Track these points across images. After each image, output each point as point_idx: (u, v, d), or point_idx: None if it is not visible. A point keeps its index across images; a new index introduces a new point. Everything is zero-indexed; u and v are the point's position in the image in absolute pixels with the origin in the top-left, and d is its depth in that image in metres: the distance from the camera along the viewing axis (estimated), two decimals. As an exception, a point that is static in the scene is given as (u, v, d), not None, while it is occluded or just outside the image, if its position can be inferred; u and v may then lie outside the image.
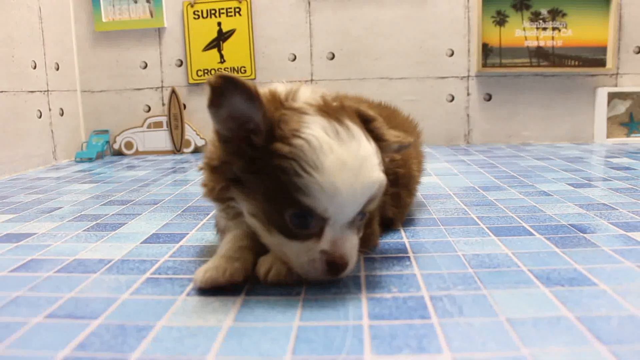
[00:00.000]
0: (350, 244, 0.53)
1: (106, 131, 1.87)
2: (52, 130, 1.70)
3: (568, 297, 0.50)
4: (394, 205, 0.73)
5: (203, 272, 0.55)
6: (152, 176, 1.38)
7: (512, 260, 0.62)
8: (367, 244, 0.64)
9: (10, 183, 1.34)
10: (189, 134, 1.84)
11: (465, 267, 0.60)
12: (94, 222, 0.89)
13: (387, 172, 0.67)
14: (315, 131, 0.50)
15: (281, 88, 0.57)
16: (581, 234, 0.71)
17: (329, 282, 0.55)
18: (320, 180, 0.48)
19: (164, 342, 0.44)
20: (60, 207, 1.02)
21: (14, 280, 0.62)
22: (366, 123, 0.56)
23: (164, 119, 1.84)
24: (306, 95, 0.55)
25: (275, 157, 0.50)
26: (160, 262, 0.66)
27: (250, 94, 0.50)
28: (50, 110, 1.70)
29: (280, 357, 0.41)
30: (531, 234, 0.72)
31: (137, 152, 1.86)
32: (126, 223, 0.87)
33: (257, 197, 0.53)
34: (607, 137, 1.76)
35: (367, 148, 0.52)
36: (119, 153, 1.87)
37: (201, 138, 1.84)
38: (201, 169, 0.62)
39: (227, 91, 0.50)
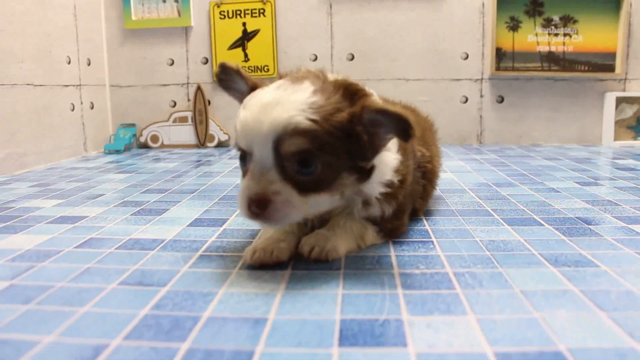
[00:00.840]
0: (274, 187, 0.56)
1: (133, 125, 1.96)
2: (83, 123, 1.79)
3: (573, 276, 0.58)
4: (421, 197, 0.81)
5: (252, 253, 0.63)
6: (182, 168, 1.46)
7: (524, 245, 0.69)
8: (395, 233, 0.72)
9: (49, 172, 1.43)
10: (213, 129, 1.92)
11: (482, 250, 0.67)
12: (139, 208, 0.97)
13: (417, 166, 0.76)
14: (268, 86, 0.60)
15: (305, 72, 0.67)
16: (586, 225, 0.79)
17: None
18: (240, 116, 0.59)
19: (228, 304, 0.52)
20: (103, 194, 1.10)
21: (81, 255, 0.70)
22: (352, 94, 0.60)
23: (189, 114, 1.92)
24: (311, 72, 0.64)
25: None
26: (209, 242, 0.74)
27: (237, 71, 0.67)
28: (82, 103, 1.78)
29: (331, 316, 0.49)
30: (541, 225, 0.80)
31: (162, 146, 1.95)
32: (168, 209, 0.95)
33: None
34: (615, 139, 1.83)
35: (296, 96, 0.56)
36: (144, 146, 1.96)
37: (224, 133, 1.92)
38: None
39: (225, 74, 0.67)
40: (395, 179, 0.66)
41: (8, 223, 0.87)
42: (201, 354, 0.42)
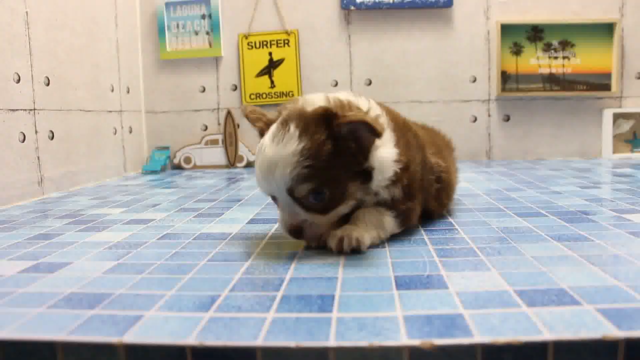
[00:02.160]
0: (301, 217, 0.73)
1: (167, 147, 2.13)
2: (123, 146, 1.96)
3: (572, 246, 0.73)
4: (435, 199, 0.94)
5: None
6: (220, 184, 1.62)
7: (532, 229, 0.84)
8: (410, 216, 0.83)
9: (100, 188, 1.59)
10: (242, 150, 2.09)
11: (499, 233, 0.82)
12: (197, 213, 1.12)
13: (432, 173, 0.89)
14: (266, 137, 0.74)
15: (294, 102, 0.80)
16: (585, 215, 0.94)
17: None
18: (255, 171, 0.76)
19: (303, 270, 0.67)
20: (160, 204, 1.25)
21: (165, 244, 0.85)
22: (330, 120, 0.70)
23: (219, 137, 2.09)
24: (307, 101, 0.77)
25: None
26: (269, 233, 0.89)
27: (252, 122, 0.83)
28: (122, 128, 1.96)
29: (386, 274, 0.63)
30: (546, 216, 0.94)
31: (194, 167, 2.11)
32: (223, 213, 1.11)
33: None
34: (614, 152, 1.98)
35: (289, 148, 0.69)
36: (178, 167, 2.12)
37: (253, 154, 2.08)
38: None
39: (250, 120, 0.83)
40: (397, 168, 0.76)
41: (87, 225, 1.02)
42: (294, 298, 0.57)
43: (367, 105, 0.78)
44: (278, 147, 0.70)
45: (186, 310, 0.54)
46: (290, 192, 0.71)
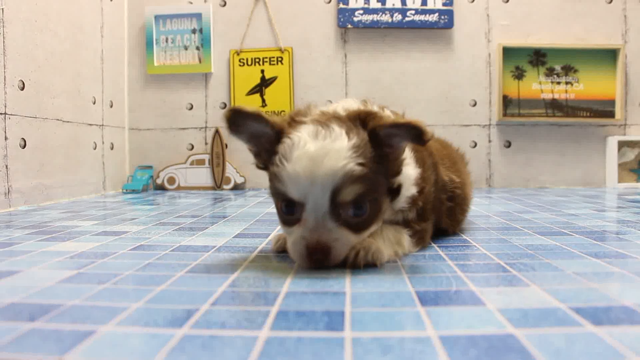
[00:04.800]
0: (332, 235, 0.59)
1: (150, 166, 2.01)
2: (103, 162, 1.84)
3: (616, 262, 0.62)
4: (448, 217, 0.85)
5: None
6: (205, 202, 1.50)
7: (562, 247, 0.73)
8: (424, 237, 0.74)
9: (74, 204, 1.46)
10: (230, 171, 1.97)
11: (525, 250, 0.71)
12: (177, 227, 1.00)
13: (445, 191, 0.79)
14: (300, 132, 0.60)
15: (305, 108, 0.70)
16: (615, 235, 0.83)
17: (317, 270, 0.60)
18: (288, 168, 0.58)
19: (302, 284, 0.55)
20: (137, 218, 1.13)
21: (138, 255, 0.72)
22: (362, 119, 0.63)
23: (206, 157, 1.98)
24: (331, 108, 0.68)
25: (274, 156, 0.62)
26: (260, 247, 0.77)
27: (256, 116, 0.63)
28: (103, 143, 1.84)
29: (404, 289, 0.52)
30: (571, 235, 0.84)
31: (178, 187, 1.99)
32: (208, 227, 0.99)
33: (273, 196, 0.65)
34: (619, 182, 1.90)
35: (340, 143, 0.58)
36: (161, 188, 2.00)
37: (240, 176, 1.97)
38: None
39: (239, 119, 0.63)
40: (415, 191, 0.69)
41: (53, 235, 0.90)
42: (293, 314, 0.45)
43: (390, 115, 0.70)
44: (325, 142, 0.58)
45: (154, 325, 0.42)
46: (335, 194, 0.58)
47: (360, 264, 0.61)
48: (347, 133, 0.60)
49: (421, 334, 0.39)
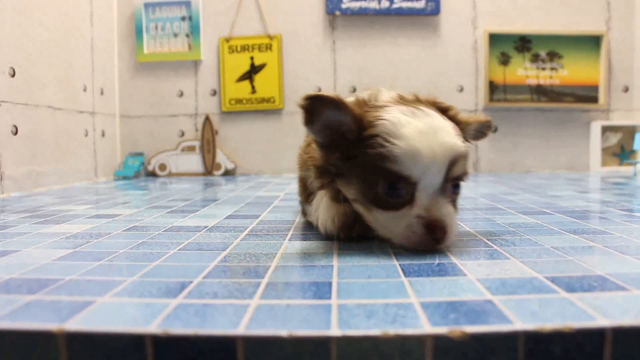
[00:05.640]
0: (446, 211, 0.57)
1: (141, 153, 2.01)
2: (94, 150, 1.84)
3: (594, 238, 0.65)
4: None
5: (346, 228, 0.65)
6: (197, 187, 1.51)
7: (543, 225, 0.76)
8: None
9: (66, 190, 1.47)
10: (220, 157, 1.98)
11: (507, 228, 0.74)
12: (170, 209, 1.01)
13: None
14: (394, 113, 0.59)
15: (363, 94, 0.68)
16: (594, 214, 0.86)
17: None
18: (402, 145, 0.55)
19: (291, 258, 0.57)
20: (129, 202, 1.14)
21: (131, 235, 0.74)
22: (443, 112, 0.64)
23: (196, 143, 1.99)
24: (385, 96, 0.66)
25: (365, 140, 0.59)
26: (251, 227, 0.79)
27: (336, 104, 0.59)
28: (94, 130, 1.84)
29: (392, 263, 0.54)
30: (553, 214, 0.87)
31: (170, 174, 2.00)
32: (199, 210, 1.00)
33: (355, 180, 0.61)
34: (602, 166, 1.93)
35: (441, 121, 0.59)
36: (152, 174, 2.01)
37: (231, 162, 1.98)
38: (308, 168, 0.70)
39: (316, 108, 0.59)
40: None
41: (47, 218, 0.91)
42: (283, 285, 0.47)
43: None
44: (429, 120, 0.58)
45: (149, 296, 0.44)
46: (449, 168, 0.57)
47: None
48: (443, 116, 0.61)
49: (404, 301, 0.41)
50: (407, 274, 0.49)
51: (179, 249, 0.64)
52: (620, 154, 1.95)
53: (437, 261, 0.54)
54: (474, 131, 0.68)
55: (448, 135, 0.58)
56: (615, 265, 0.51)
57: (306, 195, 0.77)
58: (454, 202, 0.61)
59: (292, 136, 1.94)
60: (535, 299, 0.41)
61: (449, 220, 0.57)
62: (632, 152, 1.92)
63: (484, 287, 0.44)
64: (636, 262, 0.52)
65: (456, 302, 0.40)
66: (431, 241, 0.57)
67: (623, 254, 0.56)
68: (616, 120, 1.97)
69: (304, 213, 0.82)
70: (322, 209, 0.69)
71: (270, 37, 1.96)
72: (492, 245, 0.62)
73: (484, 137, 0.69)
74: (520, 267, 0.51)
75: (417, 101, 0.64)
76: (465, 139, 0.63)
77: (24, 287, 0.47)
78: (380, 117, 0.59)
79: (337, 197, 0.66)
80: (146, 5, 1.98)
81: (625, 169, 1.93)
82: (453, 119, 0.63)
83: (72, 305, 0.42)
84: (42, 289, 0.46)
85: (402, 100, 0.63)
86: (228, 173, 1.99)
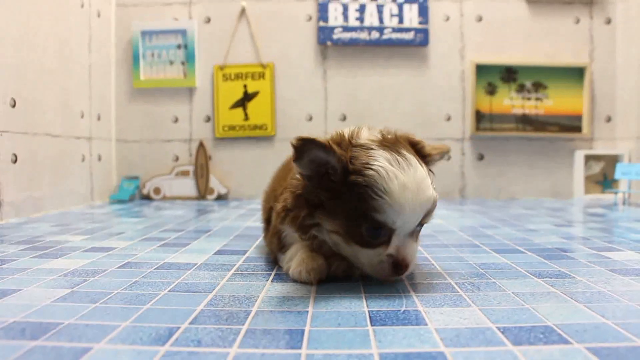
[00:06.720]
0: (411, 250, 0.68)
1: (137, 177, 2.06)
2: (91, 173, 1.89)
3: (555, 283, 0.70)
4: None
5: (306, 273, 0.71)
6: (190, 215, 1.56)
7: (511, 265, 0.81)
8: None
9: (63, 215, 1.51)
10: (213, 182, 2.03)
11: (477, 269, 0.79)
12: (162, 242, 1.06)
13: None
14: (382, 163, 0.64)
15: (345, 130, 0.74)
16: (563, 253, 0.91)
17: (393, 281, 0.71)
18: (390, 201, 0.63)
19: (271, 303, 0.62)
20: (124, 232, 1.19)
21: (125, 273, 0.79)
22: (414, 146, 0.72)
23: (190, 168, 2.04)
24: (365, 134, 0.72)
25: (352, 186, 0.65)
26: (237, 265, 0.84)
27: (324, 146, 0.65)
28: (91, 155, 1.89)
29: (360, 309, 0.59)
30: (524, 253, 0.92)
31: (164, 197, 2.05)
32: (190, 243, 1.05)
33: (338, 217, 0.68)
34: (585, 193, 1.99)
35: (421, 172, 0.66)
36: (147, 197, 2.05)
37: (224, 187, 2.04)
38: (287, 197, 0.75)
39: (306, 148, 0.65)
40: None
41: (45, 251, 0.96)
42: (261, 332, 0.52)
43: None
44: (411, 172, 0.65)
45: (140, 343, 0.49)
46: (425, 216, 0.68)
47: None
48: (418, 161, 0.68)
49: (365, 352, 0.46)
50: (373, 322, 0.54)
51: (169, 290, 0.69)
52: (603, 181, 2.02)
53: (403, 308, 0.59)
54: (437, 158, 0.76)
55: (428, 190, 0.66)
56: (566, 315, 0.56)
57: (280, 246, 0.82)
58: (417, 235, 0.71)
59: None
60: (482, 352, 0.46)
61: (411, 259, 0.68)
62: (614, 180, 1.99)
63: (439, 337, 0.49)
64: (586, 311, 0.57)
65: (411, 354, 0.45)
66: (395, 275, 0.68)
67: (577, 301, 0.61)
68: (599, 149, 2.03)
69: (276, 259, 0.85)
70: (297, 261, 0.74)
71: (263, 66, 2.03)
72: (458, 290, 0.67)
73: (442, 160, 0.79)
74: (477, 317, 0.56)
75: (397, 142, 0.70)
76: (429, 166, 0.73)
77: (27, 331, 0.52)
78: (368, 166, 0.65)
79: (315, 249, 0.74)
80: (143, 33, 2.05)
81: (608, 197, 1.99)
82: (420, 151, 0.73)
83: (72, 351, 0.47)
84: (44, 333, 0.51)
85: (384, 142, 0.69)
86: (221, 197, 2.04)
